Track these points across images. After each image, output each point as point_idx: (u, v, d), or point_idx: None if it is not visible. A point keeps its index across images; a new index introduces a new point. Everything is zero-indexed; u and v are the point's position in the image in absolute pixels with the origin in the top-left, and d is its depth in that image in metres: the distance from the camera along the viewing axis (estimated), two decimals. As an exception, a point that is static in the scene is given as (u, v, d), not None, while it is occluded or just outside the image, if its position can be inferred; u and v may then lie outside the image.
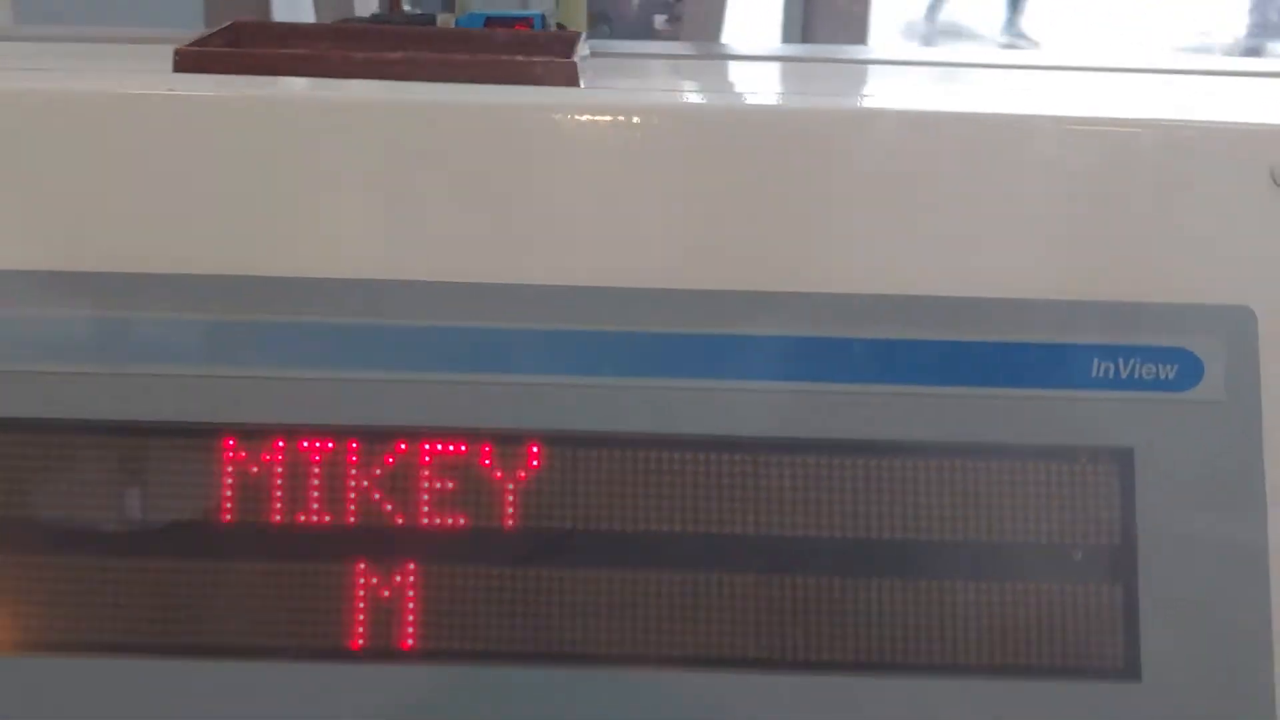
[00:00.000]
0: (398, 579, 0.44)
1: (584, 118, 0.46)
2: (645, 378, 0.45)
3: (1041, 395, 0.44)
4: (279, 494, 0.44)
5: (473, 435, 0.44)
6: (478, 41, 0.66)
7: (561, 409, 0.45)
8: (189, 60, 0.55)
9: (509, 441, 0.45)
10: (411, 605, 0.44)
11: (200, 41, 0.59)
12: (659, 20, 1.19)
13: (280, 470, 0.44)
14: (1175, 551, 0.44)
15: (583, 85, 0.54)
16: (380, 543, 0.44)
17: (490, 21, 0.74)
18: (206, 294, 0.44)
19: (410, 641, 0.44)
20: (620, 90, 0.58)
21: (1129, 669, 0.44)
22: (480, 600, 0.44)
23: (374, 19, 0.91)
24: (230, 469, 0.44)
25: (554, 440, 0.45)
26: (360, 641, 0.44)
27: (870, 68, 0.75)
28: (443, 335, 0.45)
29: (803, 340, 0.44)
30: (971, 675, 0.44)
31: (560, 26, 1.06)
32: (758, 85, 0.69)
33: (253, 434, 0.44)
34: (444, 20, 0.87)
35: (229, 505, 0.44)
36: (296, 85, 0.50)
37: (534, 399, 0.45)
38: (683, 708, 0.44)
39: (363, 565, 0.44)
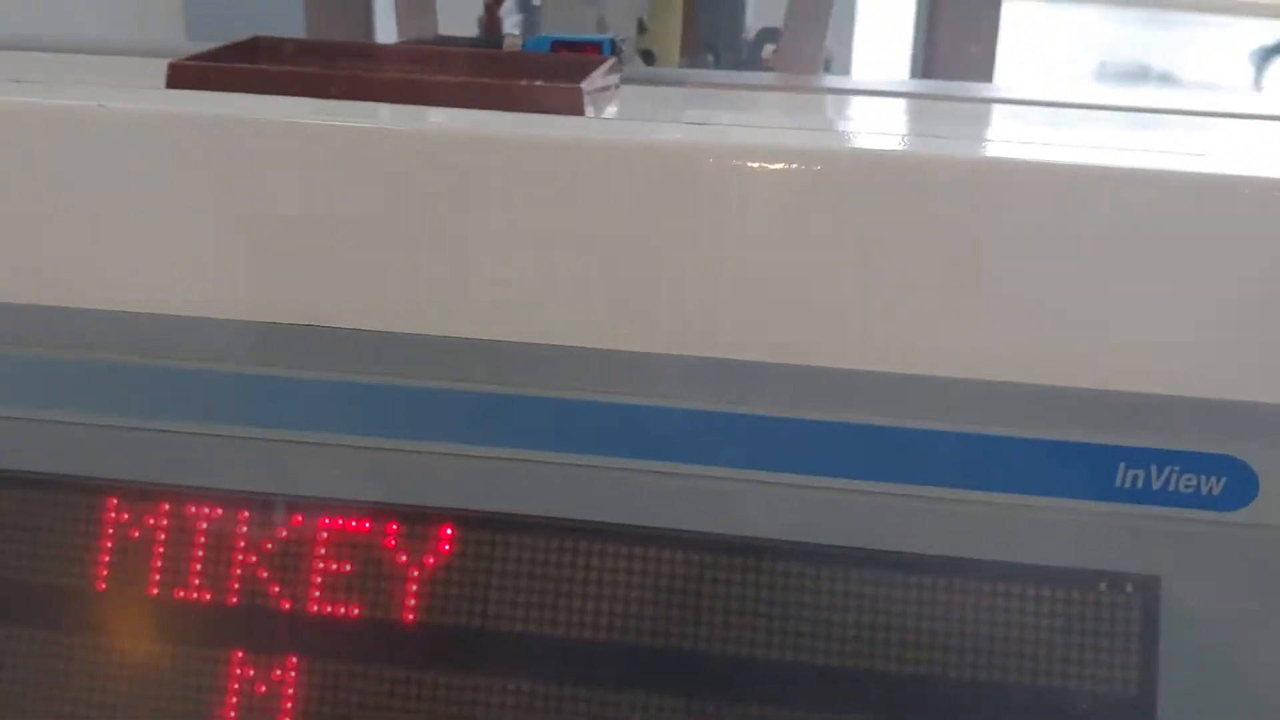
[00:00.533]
0: (277, 673, 0.38)
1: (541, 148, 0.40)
2: (575, 454, 0.38)
3: (1049, 505, 0.36)
4: (157, 564, 0.39)
5: (377, 512, 0.39)
6: (497, 65, 0.61)
7: (480, 486, 0.38)
8: (181, 75, 0.52)
9: (418, 521, 0.39)
10: (289, 705, 0.38)
11: (209, 55, 0.55)
12: (768, 50, 1.13)
13: (161, 538, 0.39)
14: (1204, 713, 0.35)
15: (589, 114, 0.49)
16: (261, 630, 0.39)
17: (556, 45, 0.70)
18: (90, 332, 0.40)
19: (287, 746, 0.38)
20: (617, 121, 0.51)
21: None
22: (369, 705, 0.38)
23: (439, 40, 0.87)
24: (111, 531, 0.39)
25: (469, 522, 0.38)
26: (231, 741, 0.38)
27: (937, 104, 0.67)
28: (353, 391, 0.39)
29: (758, 420, 0.37)
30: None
31: (647, 54, 1.01)
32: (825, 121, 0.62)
33: (135, 495, 0.39)
34: (510, 43, 0.83)
35: (103, 572, 0.39)
36: (225, 103, 0.45)
37: (450, 472, 0.39)
38: None
39: (240, 654, 0.39)
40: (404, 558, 0.38)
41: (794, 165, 0.37)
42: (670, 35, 0.97)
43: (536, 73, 0.57)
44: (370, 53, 0.64)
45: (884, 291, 0.37)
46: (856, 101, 0.62)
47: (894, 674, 0.36)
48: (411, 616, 0.38)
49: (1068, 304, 0.37)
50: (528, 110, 0.48)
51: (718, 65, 1.09)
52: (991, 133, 0.56)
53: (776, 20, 1.23)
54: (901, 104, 0.64)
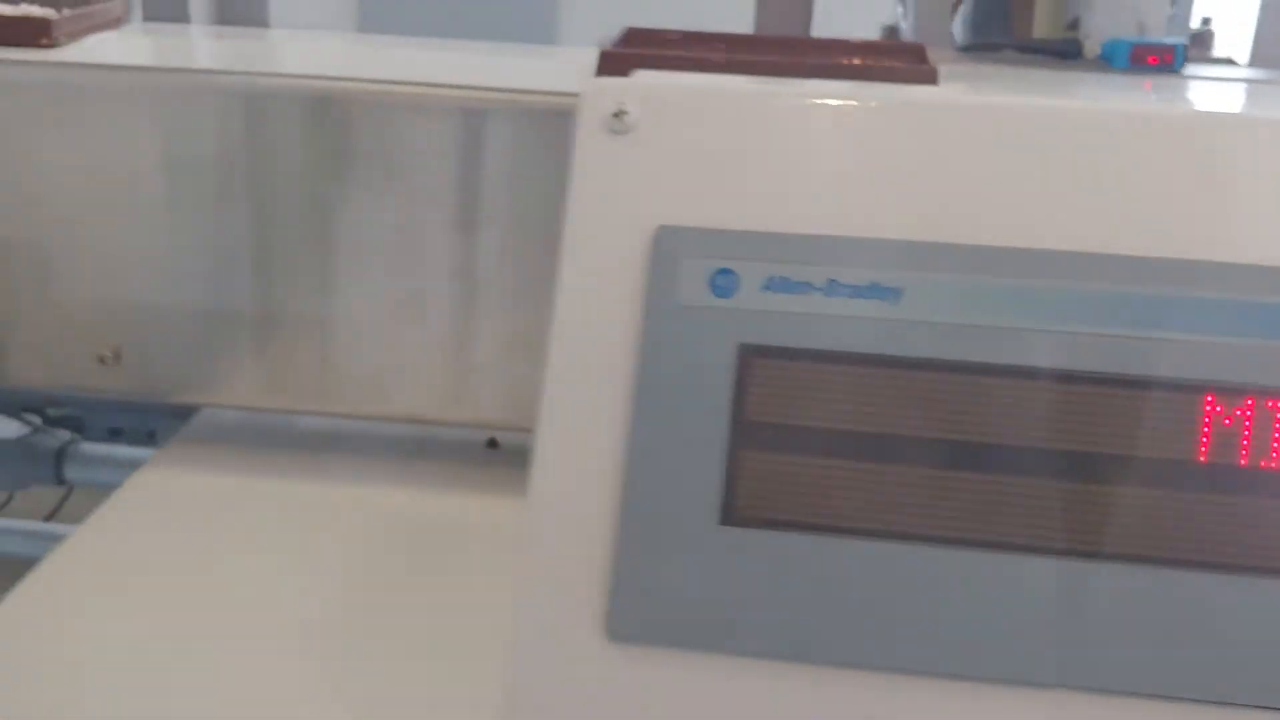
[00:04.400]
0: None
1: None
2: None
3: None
4: (1246, 441, 0.55)
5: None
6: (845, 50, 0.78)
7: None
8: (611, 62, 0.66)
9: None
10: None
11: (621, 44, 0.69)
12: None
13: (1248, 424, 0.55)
14: None
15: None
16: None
17: (1136, 48, 0.83)
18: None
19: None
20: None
21: None
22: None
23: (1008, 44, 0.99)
24: (1208, 421, 0.55)
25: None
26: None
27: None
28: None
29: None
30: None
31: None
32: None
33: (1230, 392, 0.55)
34: (1089, 48, 0.95)
35: (1205, 448, 0.55)
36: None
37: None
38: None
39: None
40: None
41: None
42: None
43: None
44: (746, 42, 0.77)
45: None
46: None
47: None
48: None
49: None
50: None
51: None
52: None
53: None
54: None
